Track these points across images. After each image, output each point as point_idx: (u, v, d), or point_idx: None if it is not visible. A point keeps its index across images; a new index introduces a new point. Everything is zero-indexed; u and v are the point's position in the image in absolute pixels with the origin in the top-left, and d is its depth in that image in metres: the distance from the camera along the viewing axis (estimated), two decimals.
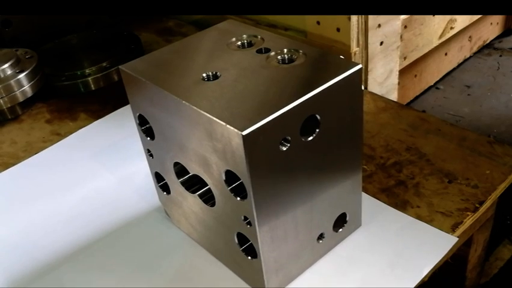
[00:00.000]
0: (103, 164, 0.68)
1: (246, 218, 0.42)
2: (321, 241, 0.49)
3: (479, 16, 1.08)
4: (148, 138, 0.50)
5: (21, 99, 0.81)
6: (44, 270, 0.54)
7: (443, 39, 0.99)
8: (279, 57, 0.45)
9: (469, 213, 0.54)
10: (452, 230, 0.52)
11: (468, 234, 0.55)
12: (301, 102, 0.39)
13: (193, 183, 0.49)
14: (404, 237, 0.52)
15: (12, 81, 0.79)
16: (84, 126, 0.77)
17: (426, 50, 0.96)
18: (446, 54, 1.06)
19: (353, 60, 0.80)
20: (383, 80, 0.88)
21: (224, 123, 0.38)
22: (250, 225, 0.42)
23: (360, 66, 0.43)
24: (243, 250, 0.46)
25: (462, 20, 1.02)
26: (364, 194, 0.57)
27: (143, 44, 0.95)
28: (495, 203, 0.58)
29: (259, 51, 0.47)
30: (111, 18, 1.07)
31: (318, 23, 0.82)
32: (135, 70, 0.47)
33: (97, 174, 0.66)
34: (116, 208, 0.60)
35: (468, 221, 0.53)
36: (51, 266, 0.54)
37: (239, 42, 0.49)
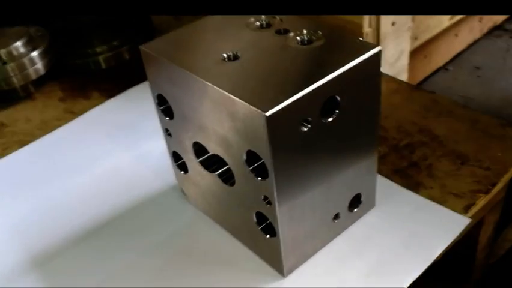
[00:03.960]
0: (118, 143, 0.69)
1: (265, 198, 0.43)
2: (336, 221, 0.50)
3: None
4: (167, 118, 0.51)
5: (34, 77, 0.81)
6: (64, 247, 0.55)
7: (454, 20, 0.99)
8: (298, 38, 0.46)
9: (481, 195, 0.55)
10: (464, 211, 0.53)
11: (480, 215, 0.56)
12: (322, 84, 0.40)
13: (212, 163, 0.50)
14: (417, 218, 0.52)
15: (25, 59, 0.79)
16: (97, 105, 0.77)
17: (437, 31, 0.96)
18: (456, 35, 1.06)
19: (364, 38, 0.80)
20: (394, 61, 0.88)
21: (247, 104, 0.38)
22: (270, 204, 0.43)
23: (379, 48, 0.43)
24: (261, 229, 0.47)
25: None
26: (378, 175, 0.57)
27: (154, 23, 0.95)
28: (506, 185, 0.59)
29: (278, 31, 0.47)
30: None
31: None
32: (156, 50, 0.47)
33: (112, 152, 0.67)
34: (133, 186, 0.61)
35: (480, 203, 0.54)
36: (71, 243, 0.55)
37: (257, 23, 0.49)
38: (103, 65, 0.87)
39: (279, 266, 0.48)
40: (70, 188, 0.63)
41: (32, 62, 0.80)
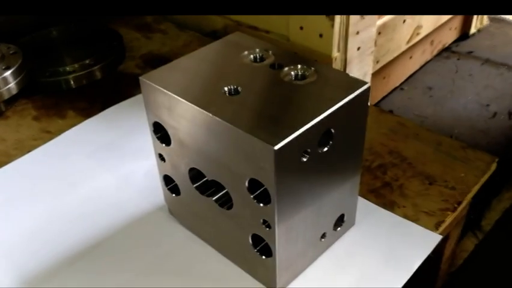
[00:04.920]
0: (100, 164, 0.70)
1: (264, 221, 0.46)
2: (323, 239, 0.54)
3: (444, 21, 1.16)
4: (163, 145, 0.53)
5: (6, 96, 0.80)
6: (54, 269, 0.56)
7: (410, 44, 1.06)
8: (292, 73, 0.49)
9: (449, 212, 0.60)
10: (435, 228, 0.58)
11: (447, 231, 0.61)
12: (322, 119, 0.43)
13: (207, 187, 0.53)
14: (394, 235, 0.57)
15: None
16: (74, 124, 0.78)
17: (395, 54, 1.03)
18: (410, 57, 1.13)
19: (333, 64, 0.85)
20: None
21: (255, 138, 0.41)
22: (270, 228, 0.46)
23: (368, 84, 0.47)
24: (256, 250, 0.50)
25: (427, 26, 1.09)
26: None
27: (124, 41, 0.96)
28: (469, 202, 0.65)
29: (272, 66, 0.51)
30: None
31: (302, 28, 0.86)
32: (156, 81, 0.49)
33: (95, 173, 0.68)
34: (119, 207, 0.63)
35: (448, 220, 0.60)
36: (60, 266, 0.56)
37: (251, 56, 0.52)
38: (75, 84, 0.87)
39: (272, 283, 0.51)
40: (54, 210, 0.63)
41: (5, 81, 0.79)
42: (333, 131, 0.46)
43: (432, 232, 0.57)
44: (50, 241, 0.59)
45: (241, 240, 0.51)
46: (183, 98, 0.47)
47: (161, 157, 0.55)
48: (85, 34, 0.97)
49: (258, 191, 0.46)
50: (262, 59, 0.52)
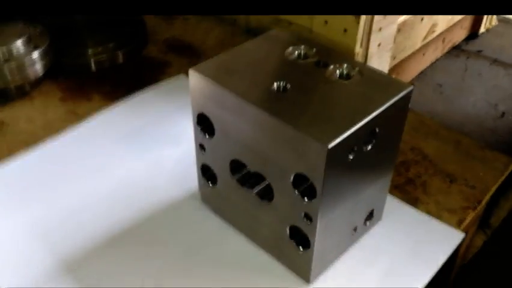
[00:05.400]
0: (131, 149, 0.71)
1: (306, 215, 0.48)
2: (354, 233, 0.56)
3: (457, 20, 1.18)
4: (206, 135, 0.54)
5: (32, 77, 0.81)
6: (87, 253, 0.57)
7: (425, 41, 1.08)
8: (337, 72, 0.51)
9: (470, 211, 0.63)
10: (458, 225, 0.61)
11: (467, 228, 0.64)
12: (369, 119, 0.45)
13: (247, 179, 0.54)
14: (419, 231, 0.60)
15: (25, 59, 0.79)
16: (100, 107, 0.79)
17: (411, 51, 1.05)
18: (423, 54, 1.15)
19: (355, 59, 0.87)
20: None
21: (308, 136, 0.43)
22: (311, 221, 0.48)
23: (411, 87, 0.49)
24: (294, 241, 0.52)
25: (441, 25, 1.11)
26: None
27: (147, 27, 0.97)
28: (487, 201, 0.67)
29: (317, 63, 0.52)
30: None
31: (326, 22, 0.88)
32: (206, 73, 0.51)
33: (125, 158, 0.69)
34: (151, 193, 0.64)
35: (469, 218, 0.62)
36: (95, 249, 0.58)
37: (296, 53, 0.54)
38: (98, 67, 0.88)
39: (305, 273, 0.53)
40: (86, 193, 0.64)
41: (32, 61, 0.80)
42: (377, 130, 0.48)
43: (455, 230, 0.60)
44: (85, 224, 0.60)
45: (278, 231, 0.53)
46: (234, 92, 0.48)
47: (201, 147, 0.56)
48: (108, 19, 0.97)
49: (303, 186, 0.47)
50: (306, 56, 0.54)
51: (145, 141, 0.72)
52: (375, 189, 0.55)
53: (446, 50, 1.26)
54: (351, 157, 0.46)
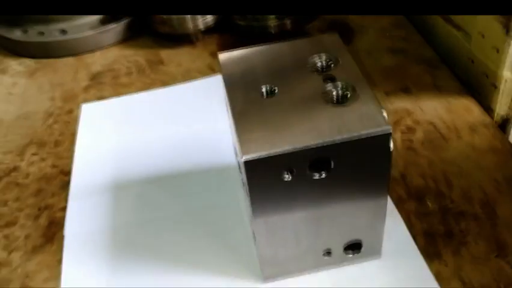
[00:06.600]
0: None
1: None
2: (327, 257, 0.55)
3: None
4: None
5: (202, 27, 0.94)
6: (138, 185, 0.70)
7: None
8: (334, 92, 0.49)
9: None
10: None
11: None
12: (312, 147, 0.44)
13: None
14: None
15: None
16: None
17: None
18: None
19: (501, 88, 0.75)
20: None
21: (239, 143, 0.45)
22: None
23: (386, 131, 0.45)
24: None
25: None
26: (405, 230, 0.59)
27: None
28: None
29: (325, 79, 0.51)
30: None
31: (483, 36, 0.77)
32: (229, 62, 0.55)
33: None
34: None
35: None
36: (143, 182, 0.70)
37: (319, 63, 0.53)
38: (265, 33, 0.94)
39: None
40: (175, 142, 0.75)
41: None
42: (332, 162, 0.46)
43: None
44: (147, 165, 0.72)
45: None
46: (226, 86, 0.52)
47: None
48: None
49: None
50: (328, 67, 0.53)
51: None
52: (354, 221, 0.52)
53: None
54: (287, 178, 0.46)
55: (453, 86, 0.80)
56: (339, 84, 0.50)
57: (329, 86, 0.50)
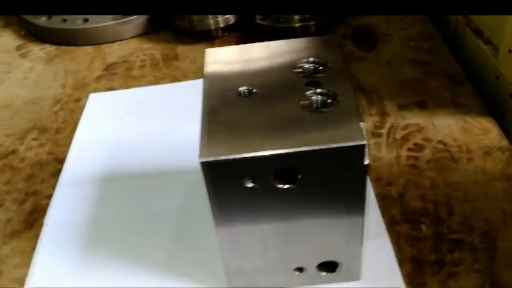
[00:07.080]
0: None
1: None
2: (299, 273, 0.51)
3: None
4: None
5: (222, 24, 0.93)
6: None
7: None
8: (313, 98, 0.46)
9: None
10: None
11: None
12: (273, 155, 0.41)
13: None
14: None
15: None
16: None
17: None
18: None
19: None
20: None
21: (199, 143, 0.43)
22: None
23: (361, 143, 0.41)
24: None
25: None
26: (391, 253, 0.55)
27: None
28: None
29: (309, 84, 0.48)
30: None
31: (510, 51, 0.71)
32: (212, 57, 0.53)
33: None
34: None
35: None
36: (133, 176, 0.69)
37: (306, 66, 0.50)
38: (285, 34, 0.93)
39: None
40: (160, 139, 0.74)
41: None
42: (299, 173, 0.42)
43: None
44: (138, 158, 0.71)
45: None
46: (205, 83, 0.50)
47: None
48: None
49: None
50: (315, 71, 0.49)
51: None
52: (326, 240, 0.48)
53: None
54: (249, 185, 0.43)
55: (474, 105, 0.74)
56: (320, 90, 0.46)
57: (310, 92, 0.46)
